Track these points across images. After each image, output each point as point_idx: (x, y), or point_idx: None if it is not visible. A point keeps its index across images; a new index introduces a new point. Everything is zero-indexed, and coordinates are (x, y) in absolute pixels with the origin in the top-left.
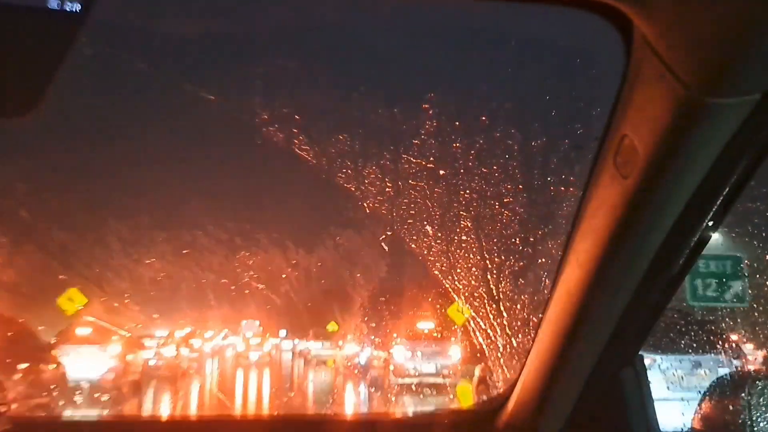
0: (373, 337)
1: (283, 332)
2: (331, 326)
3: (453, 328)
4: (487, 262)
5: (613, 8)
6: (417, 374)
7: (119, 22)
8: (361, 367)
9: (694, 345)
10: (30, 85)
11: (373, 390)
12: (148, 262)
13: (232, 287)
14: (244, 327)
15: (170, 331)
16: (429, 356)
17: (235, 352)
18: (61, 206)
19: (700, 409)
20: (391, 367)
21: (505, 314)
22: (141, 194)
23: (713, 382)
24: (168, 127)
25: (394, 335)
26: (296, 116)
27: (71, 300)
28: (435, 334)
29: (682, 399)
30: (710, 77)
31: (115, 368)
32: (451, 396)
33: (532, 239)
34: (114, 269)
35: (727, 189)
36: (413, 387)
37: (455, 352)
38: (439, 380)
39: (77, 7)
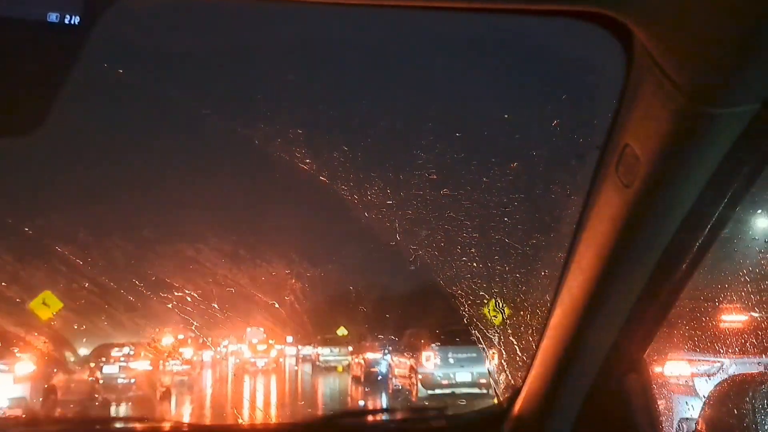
0: (390, 341)
1: (290, 338)
2: (341, 330)
3: (489, 329)
4: (490, 269)
5: (612, 19)
6: (450, 384)
7: (119, 36)
8: (381, 376)
9: None
10: (29, 98)
11: (397, 404)
12: (142, 270)
13: (237, 296)
14: (249, 334)
15: (153, 337)
16: (464, 363)
17: (240, 360)
18: (60, 217)
19: (705, 412)
20: (419, 376)
21: (508, 320)
22: (142, 207)
23: (717, 384)
24: (169, 141)
25: (420, 340)
26: (299, 130)
27: (45, 304)
28: (469, 338)
29: None
30: (710, 87)
31: (25, 399)
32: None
33: (534, 247)
34: (107, 277)
35: (727, 197)
36: (446, 399)
37: (504, 356)
38: (476, 390)
39: (76, 20)
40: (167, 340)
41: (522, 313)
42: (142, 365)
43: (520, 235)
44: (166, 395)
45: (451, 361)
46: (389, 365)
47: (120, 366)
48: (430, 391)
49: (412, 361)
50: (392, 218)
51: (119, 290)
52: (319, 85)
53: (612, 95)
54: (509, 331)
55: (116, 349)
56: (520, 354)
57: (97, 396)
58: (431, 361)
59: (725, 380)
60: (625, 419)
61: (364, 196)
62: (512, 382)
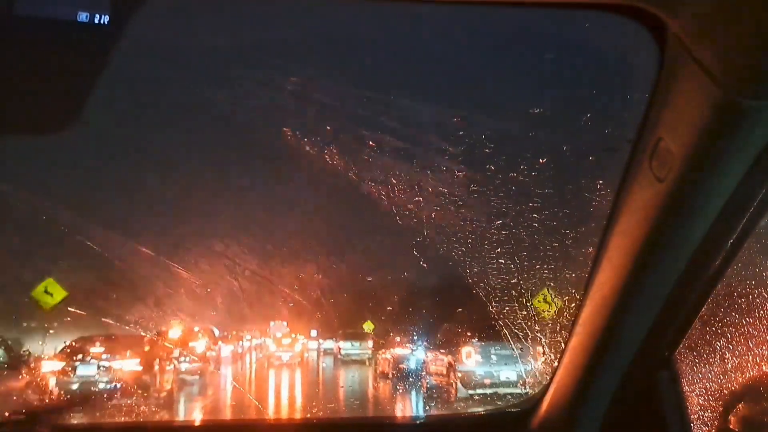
0: (421, 336)
1: (314, 332)
2: (368, 325)
3: (516, 325)
4: (519, 264)
5: (644, 10)
6: (493, 383)
7: (147, 34)
8: (411, 372)
9: None
10: (59, 96)
11: (432, 404)
12: (160, 261)
13: (260, 290)
14: (272, 328)
15: (158, 330)
16: (508, 360)
17: (264, 354)
18: (88, 213)
19: (738, 410)
20: (458, 374)
21: (537, 316)
22: (168, 201)
23: (752, 381)
24: (197, 138)
25: (460, 335)
26: (327, 126)
27: (48, 293)
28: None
29: None
30: (746, 78)
31: None
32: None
33: (564, 242)
34: (124, 267)
35: (764, 191)
36: (488, 400)
37: (539, 353)
38: (521, 390)
39: (105, 19)
40: (175, 332)
41: (550, 308)
42: (129, 364)
43: (550, 230)
44: (167, 402)
45: (494, 358)
46: (424, 362)
47: (100, 365)
48: (470, 391)
49: (449, 358)
50: (420, 214)
51: (136, 281)
52: (347, 83)
53: (644, 88)
54: (537, 327)
55: (98, 343)
56: (548, 350)
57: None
58: (472, 357)
59: (757, 376)
60: (655, 417)
61: (391, 192)
62: (540, 378)
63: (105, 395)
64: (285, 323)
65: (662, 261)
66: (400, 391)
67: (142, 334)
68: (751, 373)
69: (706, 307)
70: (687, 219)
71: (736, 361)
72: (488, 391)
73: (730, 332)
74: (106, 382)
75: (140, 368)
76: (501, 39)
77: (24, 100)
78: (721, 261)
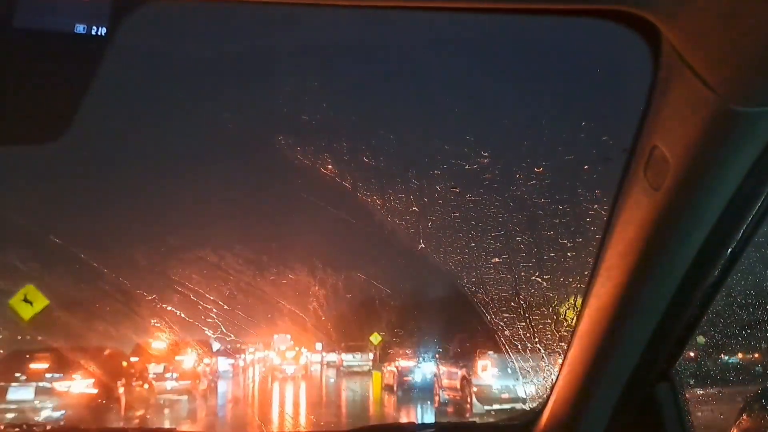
0: (427, 348)
1: (318, 345)
2: (374, 337)
3: (515, 337)
4: (516, 276)
5: (639, 17)
6: (512, 398)
7: (144, 46)
8: (422, 386)
9: None
10: (56, 108)
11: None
12: (150, 274)
13: (261, 304)
14: (276, 341)
15: (139, 342)
16: (527, 373)
17: (266, 367)
18: (84, 228)
19: (741, 422)
20: (474, 389)
21: (535, 328)
22: (162, 212)
23: (755, 394)
24: (192, 150)
25: (475, 346)
26: (321, 136)
27: (27, 301)
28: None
29: None
30: (742, 86)
31: None
32: None
33: (561, 253)
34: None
35: (761, 199)
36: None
37: (545, 365)
38: (536, 404)
39: (103, 31)
40: (158, 345)
41: (549, 320)
42: (80, 385)
43: (547, 240)
44: None
45: (508, 371)
46: (435, 375)
47: (39, 387)
48: (487, 407)
49: (464, 371)
50: (416, 224)
51: (128, 293)
52: (342, 92)
53: (640, 96)
54: (536, 338)
55: (39, 359)
56: (547, 362)
57: None
58: (488, 371)
59: (758, 389)
60: (656, 430)
61: (387, 202)
62: (540, 390)
63: (47, 426)
64: (289, 336)
65: (659, 271)
66: (409, 406)
67: (104, 345)
68: (753, 385)
69: (705, 317)
70: (684, 228)
71: (737, 374)
72: (505, 406)
73: (731, 344)
74: (51, 409)
75: (95, 391)
76: (495, 48)
77: (21, 111)
78: (720, 271)
